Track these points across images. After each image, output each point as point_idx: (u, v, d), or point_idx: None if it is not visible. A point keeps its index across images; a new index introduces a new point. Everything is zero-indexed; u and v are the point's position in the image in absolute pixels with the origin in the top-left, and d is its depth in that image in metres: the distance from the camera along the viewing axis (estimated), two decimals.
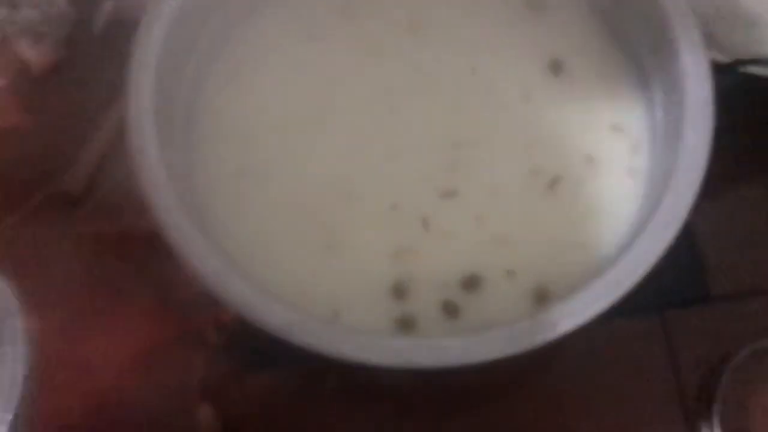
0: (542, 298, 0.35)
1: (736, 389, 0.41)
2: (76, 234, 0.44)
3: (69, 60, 0.48)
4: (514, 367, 0.41)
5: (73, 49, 0.48)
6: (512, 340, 0.31)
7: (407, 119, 0.38)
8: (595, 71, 0.39)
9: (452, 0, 0.40)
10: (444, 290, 0.35)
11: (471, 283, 0.35)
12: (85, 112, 0.46)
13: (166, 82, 0.35)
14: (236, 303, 0.31)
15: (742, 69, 0.42)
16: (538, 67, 0.38)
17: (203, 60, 0.38)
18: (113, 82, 0.35)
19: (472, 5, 0.40)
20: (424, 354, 0.31)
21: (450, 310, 0.35)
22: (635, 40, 0.38)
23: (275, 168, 0.37)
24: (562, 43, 0.39)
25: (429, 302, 0.35)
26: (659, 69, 0.36)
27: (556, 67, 0.39)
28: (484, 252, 0.36)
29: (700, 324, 0.43)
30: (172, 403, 0.42)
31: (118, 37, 0.35)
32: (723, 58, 0.42)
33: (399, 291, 0.35)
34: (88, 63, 0.47)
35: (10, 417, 0.38)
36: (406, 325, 0.34)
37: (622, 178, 0.37)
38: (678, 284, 0.44)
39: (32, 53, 0.47)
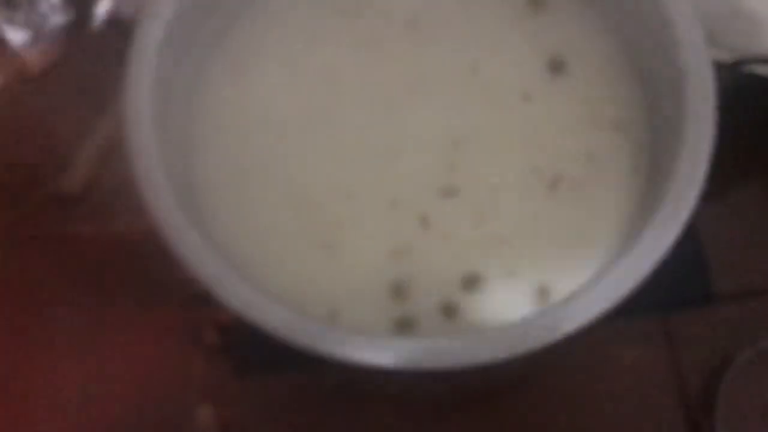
0: (543, 298, 0.34)
1: (738, 390, 0.40)
2: (74, 234, 0.44)
3: (66, 60, 0.48)
4: (514, 368, 0.41)
5: (71, 48, 0.48)
6: (512, 342, 0.30)
7: (407, 118, 0.37)
8: (596, 70, 0.38)
9: None
10: (443, 290, 0.35)
11: (471, 282, 0.35)
12: (82, 111, 0.46)
13: (165, 82, 0.35)
14: (235, 303, 0.31)
15: (745, 68, 0.42)
16: (538, 66, 0.38)
17: (202, 59, 0.38)
18: (111, 82, 0.35)
19: (472, 4, 0.39)
20: (423, 354, 0.30)
21: (450, 310, 0.35)
22: (636, 38, 0.38)
23: (274, 167, 0.37)
24: (562, 42, 0.39)
25: (428, 302, 0.35)
26: (660, 68, 0.36)
27: (556, 66, 0.38)
28: (484, 252, 0.35)
29: (703, 324, 0.43)
30: (171, 404, 0.42)
31: (116, 37, 0.35)
32: (725, 57, 0.41)
33: (398, 291, 0.35)
34: (86, 62, 0.47)
35: None
36: (405, 325, 0.34)
37: (623, 178, 0.37)
38: (680, 285, 0.43)
39: (30, 53, 0.47)
